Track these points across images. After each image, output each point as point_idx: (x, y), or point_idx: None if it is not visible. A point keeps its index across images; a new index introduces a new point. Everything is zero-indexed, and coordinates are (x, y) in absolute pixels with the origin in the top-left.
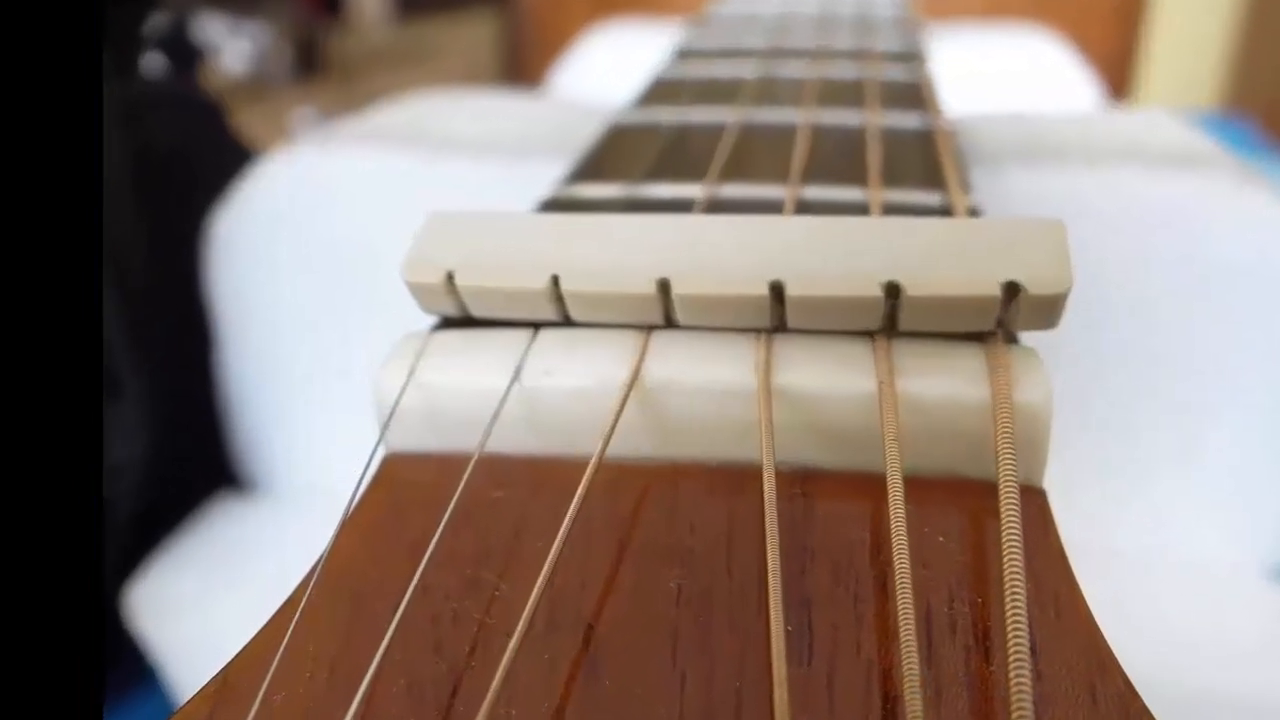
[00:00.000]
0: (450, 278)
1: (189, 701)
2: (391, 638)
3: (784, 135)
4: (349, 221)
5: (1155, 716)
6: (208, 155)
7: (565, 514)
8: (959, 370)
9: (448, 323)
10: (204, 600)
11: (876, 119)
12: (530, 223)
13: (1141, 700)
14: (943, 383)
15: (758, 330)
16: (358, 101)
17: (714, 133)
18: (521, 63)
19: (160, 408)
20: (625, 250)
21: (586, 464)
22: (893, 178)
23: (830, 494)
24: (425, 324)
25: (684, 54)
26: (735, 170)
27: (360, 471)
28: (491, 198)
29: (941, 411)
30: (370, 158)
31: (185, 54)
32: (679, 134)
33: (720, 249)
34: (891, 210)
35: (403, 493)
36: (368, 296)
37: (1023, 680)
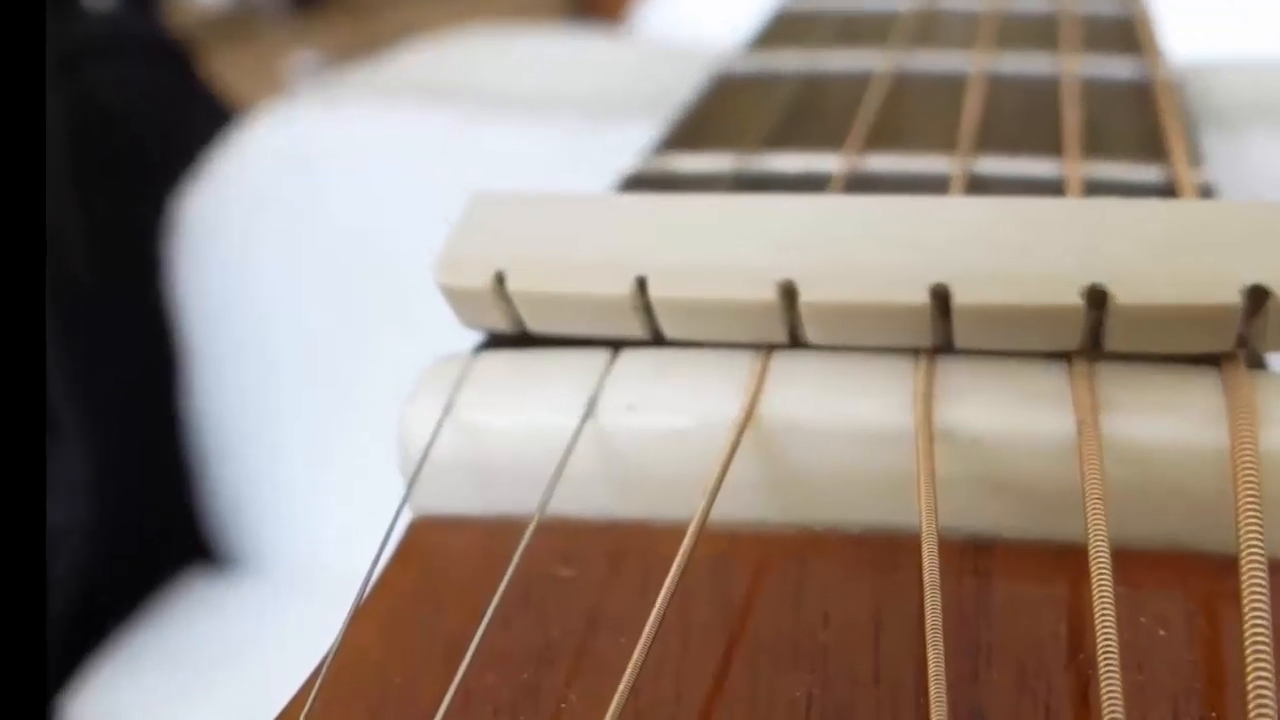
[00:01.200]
0: (500, 280)
1: None
2: None
3: (950, 88)
4: (362, 204)
5: None
6: (172, 115)
7: (655, 599)
8: (1186, 406)
9: (496, 341)
10: (167, 714)
11: (1075, 66)
12: (607, 207)
13: None
14: (1164, 423)
15: (915, 351)
16: (373, 43)
17: (856, 85)
18: None
19: (109, 453)
20: (736, 243)
21: (683, 531)
22: (1097, 146)
23: (1012, 571)
24: (466, 343)
25: None
26: (885, 135)
27: (379, 541)
28: (555, 173)
29: (1162, 461)
30: (390, 119)
31: None
32: (809, 87)
33: (864, 241)
34: (1095, 190)
35: (436, 569)
36: (388, 306)
37: None
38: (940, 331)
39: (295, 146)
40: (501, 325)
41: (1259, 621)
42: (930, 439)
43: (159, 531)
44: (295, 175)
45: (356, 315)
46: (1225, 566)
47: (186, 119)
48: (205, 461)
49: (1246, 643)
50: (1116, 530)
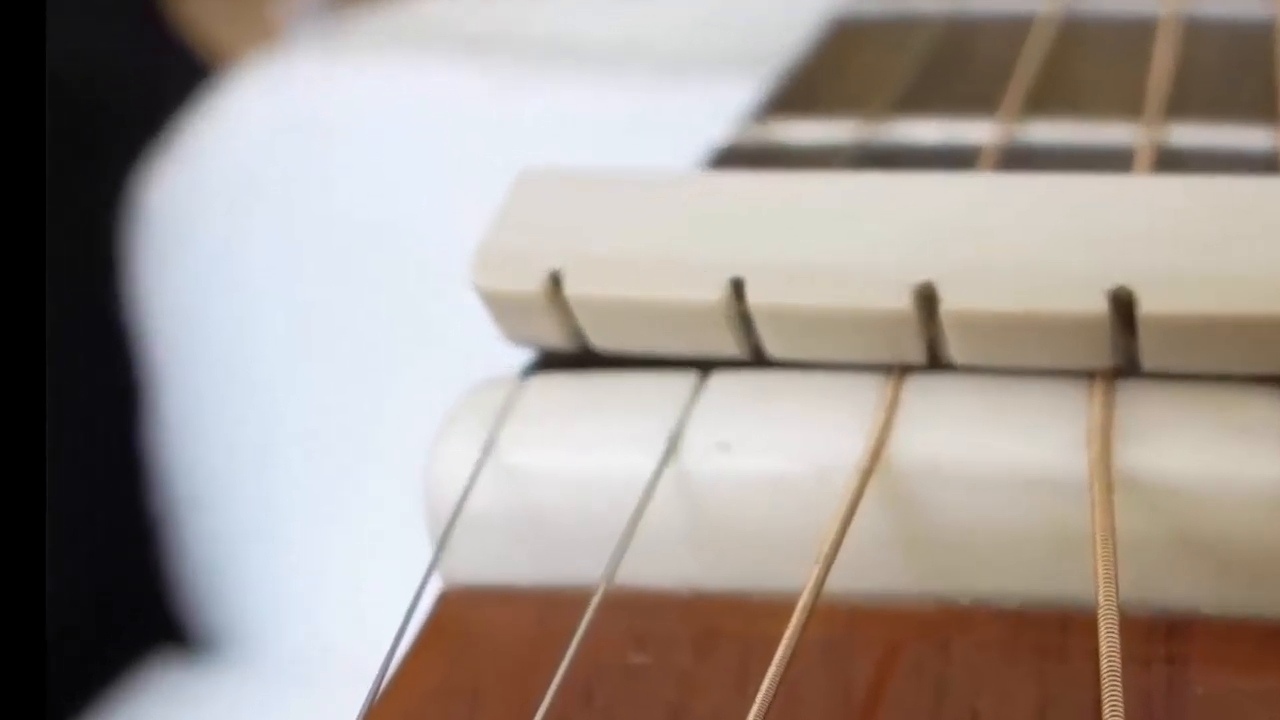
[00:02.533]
0: (555, 283)
1: None
2: None
3: (1135, 34)
4: (378, 187)
5: None
6: (133, 72)
7: (756, 695)
8: None
9: (549, 362)
10: None
11: None
12: (694, 189)
13: None
14: None
15: (1089, 374)
16: None
17: (1014, 30)
18: None
19: (52, 506)
20: (859, 236)
21: (791, 607)
22: None
23: (1216, 658)
24: (511, 364)
25: None
26: (1050, 96)
27: (400, 618)
28: (625, 145)
29: None
30: (413, 77)
31: None
32: (953, 33)
33: (1024, 234)
34: None
35: (473, 654)
36: (412, 318)
37: None
38: (1122, 349)
39: (292, 113)
40: (557, 340)
41: None
42: (1109, 487)
43: (115, 605)
44: (292, 150)
45: (372, 330)
46: None
47: (152, 76)
48: (175, 516)
49: None
50: None
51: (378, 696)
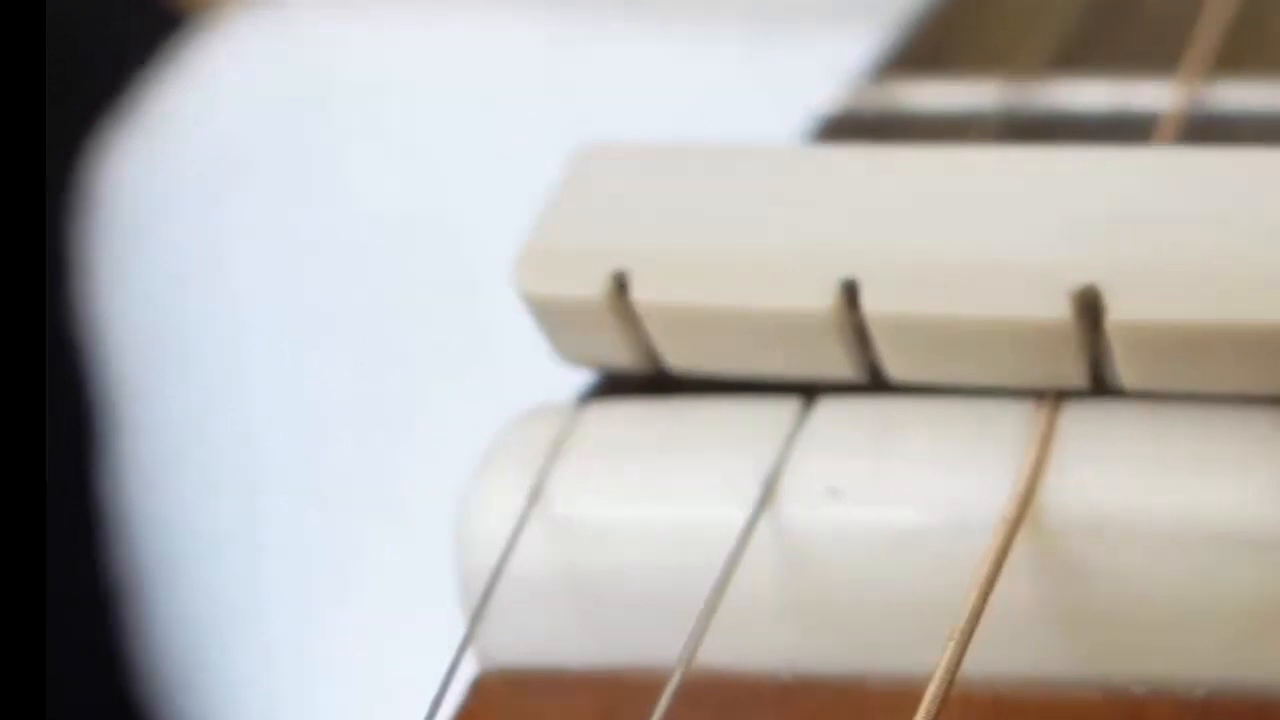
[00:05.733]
0: (620, 286)
1: None
2: None
3: None
4: (404, 167)
5: None
6: (79, 18)
7: None
8: None
9: (613, 385)
10: None
11: None
12: (796, 167)
13: None
14: None
15: None
16: None
17: None
18: None
19: None
20: (1004, 227)
21: (919, 694)
22: None
23: None
24: (565, 388)
25: None
26: (1246, 49)
27: (425, 711)
28: (712, 110)
29: None
30: (449, 25)
31: None
32: None
33: (1214, 223)
34: None
35: None
36: (439, 329)
37: None
38: None
39: (288, 73)
40: (622, 359)
41: None
42: None
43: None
44: (287, 120)
45: (390, 347)
46: None
47: (111, 23)
48: (137, 583)
49: None
50: None
51: None
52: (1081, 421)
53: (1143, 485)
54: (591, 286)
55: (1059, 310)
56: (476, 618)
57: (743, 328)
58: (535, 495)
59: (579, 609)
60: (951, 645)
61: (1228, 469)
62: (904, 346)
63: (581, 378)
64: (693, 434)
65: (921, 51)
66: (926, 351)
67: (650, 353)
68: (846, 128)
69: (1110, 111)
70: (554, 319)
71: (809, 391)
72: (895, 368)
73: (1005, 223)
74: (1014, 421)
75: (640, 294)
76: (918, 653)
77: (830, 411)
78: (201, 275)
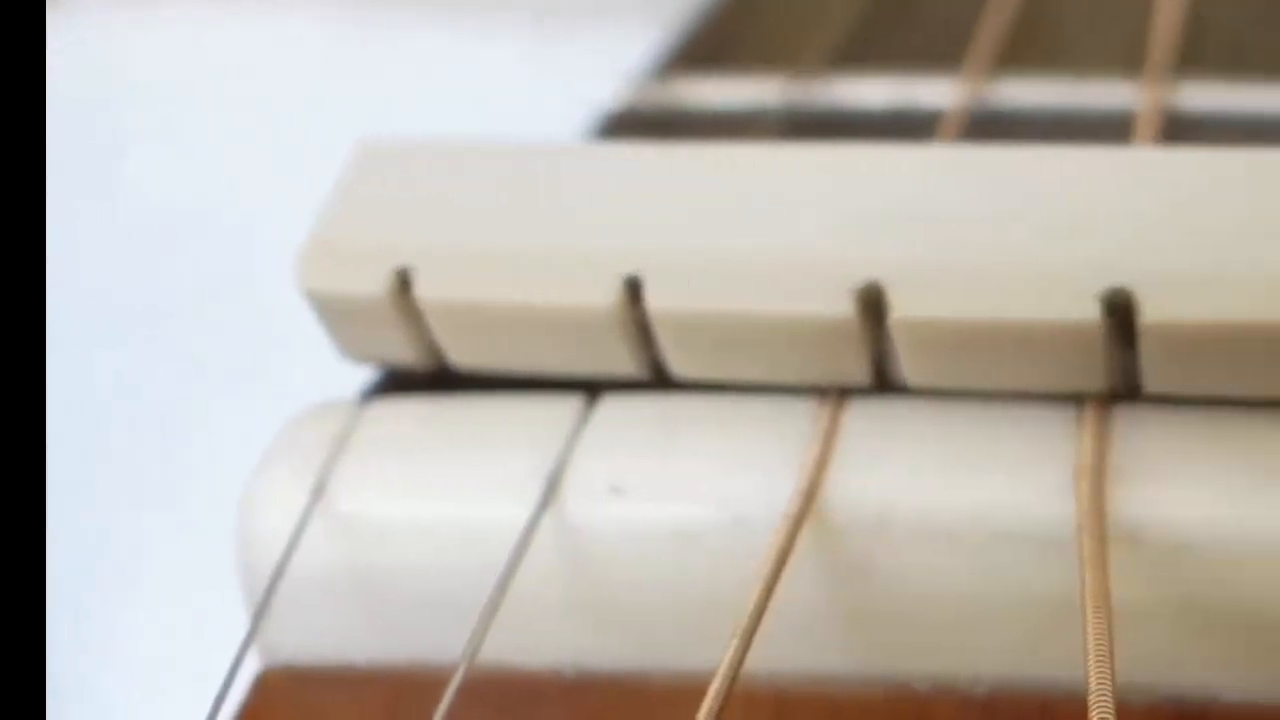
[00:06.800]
0: (403, 283)
1: None
2: None
3: None
4: (181, 161)
5: None
6: None
7: None
8: None
9: (396, 383)
10: None
11: None
12: (579, 164)
13: None
14: None
15: (1076, 398)
16: None
17: None
18: None
19: None
20: (788, 223)
21: (701, 691)
22: None
23: None
24: (347, 386)
25: None
26: (1029, 48)
27: (209, 707)
28: (497, 107)
29: None
30: (226, 23)
31: None
32: None
33: (996, 221)
34: None
35: None
36: (222, 326)
37: None
38: (1119, 367)
39: (78, 69)
40: (405, 356)
41: None
42: (1102, 542)
43: None
44: (78, 117)
45: (178, 343)
46: None
47: None
48: None
49: None
50: None
51: None
52: (865, 419)
53: (926, 483)
54: (374, 283)
55: (842, 307)
56: (260, 615)
57: (526, 324)
58: (318, 492)
59: (363, 606)
60: (734, 642)
61: (1010, 467)
62: (687, 343)
63: (362, 375)
64: (476, 431)
65: (705, 48)
66: (710, 348)
67: (433, 349)
68: (631, 124)
69: (893, 108)
70: (337, 315)
71: (593, 389)
72: (679, 365)
73: (789, 220)
74: (797, 418)
75: (423, 290)
76: (702, 650)
77: (613, 409)
78: None
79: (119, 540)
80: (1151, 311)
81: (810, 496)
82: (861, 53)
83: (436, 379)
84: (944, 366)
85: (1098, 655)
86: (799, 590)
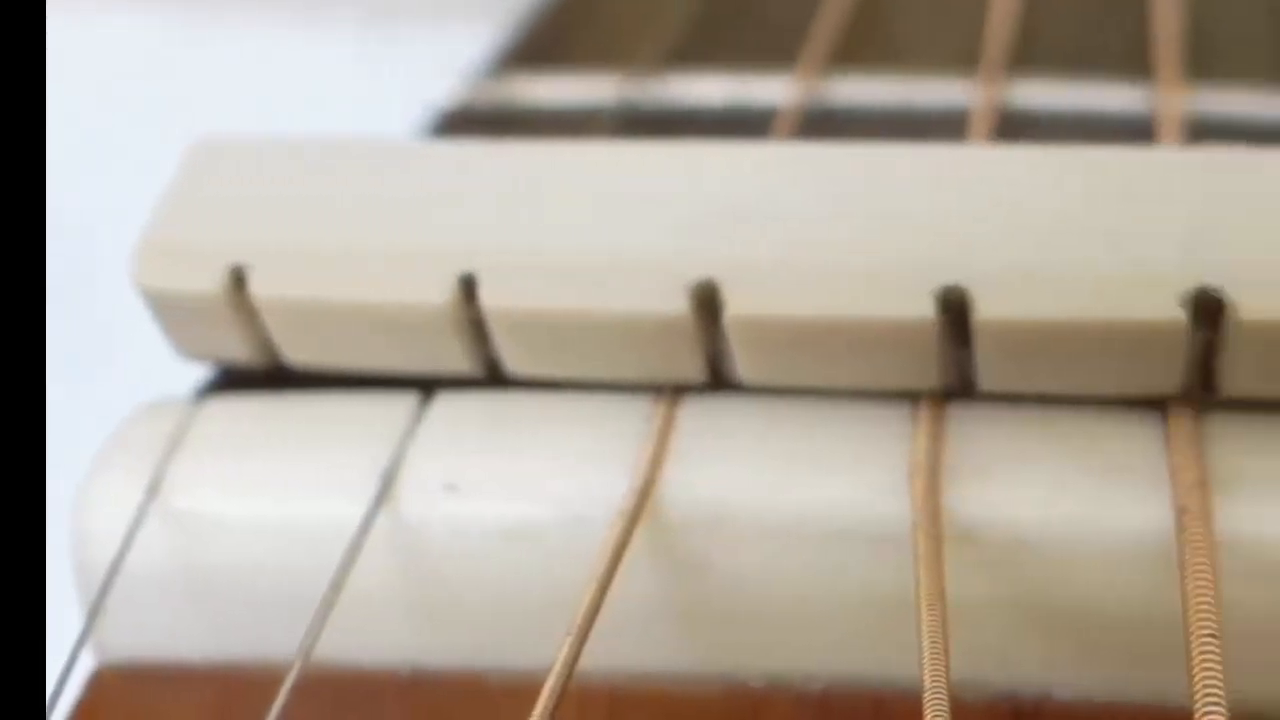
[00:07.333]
0: (237, 280)
1: None
2: None
3: None
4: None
5: None
6: None
7: None
8: None
9: (230, 380)
10: None
11: None
12: (413, 162)
13: None
14: None
15: (910, 395)
16: None
17: None
18: None
19: None
20: (622, 221)
21: (536, 689)
22: (1209, 65)
23: None
24: (182, 384)
25: None
26: (862, 46)
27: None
28: (329, 105)
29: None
30: (55, 21)
31: None
32: None
33: (829, 219)
34: (1206, 134)
35: None
36: (54, 322)
37: None
38: (952, 364)
39: None
40: (240, 353)
41: None
42: (937, 539)
43: None
44: None
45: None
46: None
47: None
48: None
49: None
50: (1242, 686)
51: None
52: (700, 416)
53: (761, 481)
54: (208, 280)
55: (676, 304)
56: (94, 613)
57: (360, 322)
58: (153, 490)
59: (198, 604)
60: (569, 640)
61: (846, 465)
62: (522, 341)
63: (198, 373)
64: (311, 429)
65: (540, 46)
66: (545, 346)
67: (268, 347)
68: (466, 123)
69: (729, 106)
70: (171, 313)
71: (428, 387)
72: (514, 363)
73: (623, 218)
74: (632, 416)
75: (258, 288)
76: (538, 648)
77: (448, 407)
78: None
79: None
80: (985, 309)
81: (645, 494)
82: (697, 51)
83: (272, 377)
84: (779, 364)
85: (932, 652)
86: (634, 588)
